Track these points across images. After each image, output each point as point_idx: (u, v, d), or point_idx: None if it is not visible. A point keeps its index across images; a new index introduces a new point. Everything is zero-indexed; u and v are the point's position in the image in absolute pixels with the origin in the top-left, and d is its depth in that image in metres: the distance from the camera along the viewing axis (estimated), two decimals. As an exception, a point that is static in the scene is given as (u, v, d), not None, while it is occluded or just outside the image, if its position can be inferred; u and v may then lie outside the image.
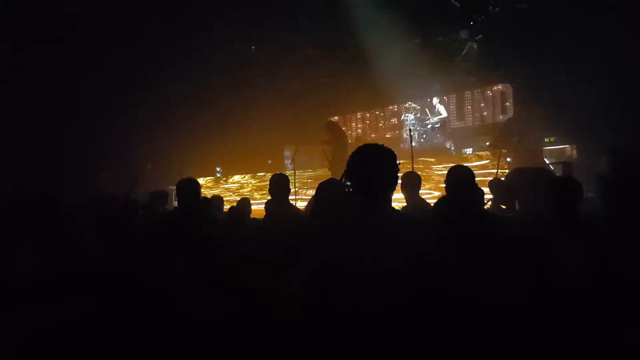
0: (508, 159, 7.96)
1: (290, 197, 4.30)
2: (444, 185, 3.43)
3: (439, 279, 2.09)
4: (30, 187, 6.30)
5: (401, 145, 11.49)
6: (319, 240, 2.25)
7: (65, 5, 11.01)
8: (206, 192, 11.17)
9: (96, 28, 11.32)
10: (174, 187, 5.59)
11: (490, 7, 11.23)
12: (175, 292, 2.72)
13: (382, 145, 2.34)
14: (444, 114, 11.68)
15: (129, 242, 3.39)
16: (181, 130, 12.84)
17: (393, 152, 2.31)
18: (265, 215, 4.15)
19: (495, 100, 11.60)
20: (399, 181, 4.00)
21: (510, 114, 10.97)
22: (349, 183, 2.29)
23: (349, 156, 2.32)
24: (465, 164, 4.50)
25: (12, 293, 2.63)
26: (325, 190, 2.96)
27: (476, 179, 3.42)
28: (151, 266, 2.89)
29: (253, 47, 13.95)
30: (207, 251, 3.06)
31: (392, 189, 2.30)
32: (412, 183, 4.26)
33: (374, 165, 2.26)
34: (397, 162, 2.31)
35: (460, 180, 3.31)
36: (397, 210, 2.40)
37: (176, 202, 5.96)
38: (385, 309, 2.02)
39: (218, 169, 13.31)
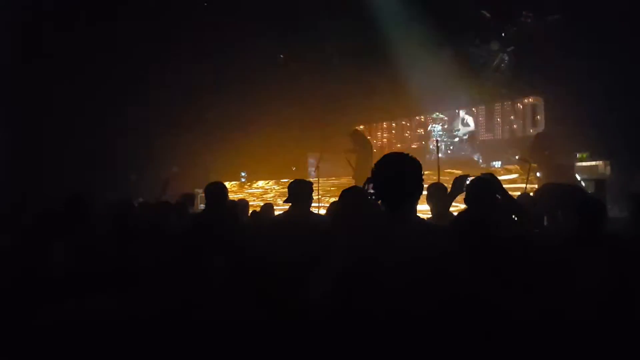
0: (538, 174, 7.75)
1: (313, 204, 4.22)
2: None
3: (462, 291, 2.04)
4: (57, 187, 6.37)
5: (427, 156, 11.33)
6: (342, 248, 2.20)
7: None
8: (231, 196, 11.18)
9: (129, 26, 11.50)
10: (200, 190, 5.60)
11: (522, 19, 11.05)
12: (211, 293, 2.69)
13: (408, 154, 2.29)
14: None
15: (166, 243, 3.41)
16: (208, 136, 12.93)
17: (418, 162, 2.27)
18: (284, 220, 4.10)
19: (526, 113, 11.37)
20: (425, 192, 3.92)
21: (541, 127, 10.73)
22: (372, 191, 2.23)
23: (374, 164, 2.26)
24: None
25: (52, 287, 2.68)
26: (348, 197, 2.89)
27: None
28: (188, 267, 2.87)
29: (281, 56, 14.00)
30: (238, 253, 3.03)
31: (417, 199, 2.25)
32: (438, 195, 4.14)
33: (399, 174, 2.21)
34: (422, 172, 2.24)
35: (478, 193, 3.23)
36: (422, 219, 2.33)
37: (202, 205, 5.97)
38: (407, 319, 1.98)
39: (243, 174, 13.34)
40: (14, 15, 10.98)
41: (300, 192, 3.94)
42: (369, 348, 2.00)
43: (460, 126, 11.64)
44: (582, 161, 8.34)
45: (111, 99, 11.93)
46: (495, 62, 11.82)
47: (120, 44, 11.70)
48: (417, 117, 13.16)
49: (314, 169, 9.92)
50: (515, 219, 3.31)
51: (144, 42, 11.77)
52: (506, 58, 11.67)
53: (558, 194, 4.34)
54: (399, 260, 2.04)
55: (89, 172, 10.70)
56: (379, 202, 2.23)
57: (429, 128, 11.80)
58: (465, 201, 3.36)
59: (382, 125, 14.11)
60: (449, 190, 4.25)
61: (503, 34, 11.45)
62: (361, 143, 8.89)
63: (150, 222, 4.19)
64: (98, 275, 2.84)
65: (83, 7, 11.28)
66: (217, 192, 4.12)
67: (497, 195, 3.29)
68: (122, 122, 11.92)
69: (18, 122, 11.10)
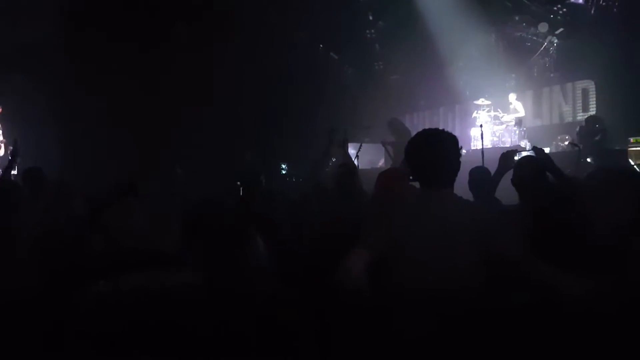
0: (588, 159, 7.44)
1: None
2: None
3: (510, 271, 1.97)
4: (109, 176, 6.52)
5: (472, 144, 11.05)
6: (380, 228, 2.12)
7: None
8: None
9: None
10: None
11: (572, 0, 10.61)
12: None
13: (443, 129, 2.20)
14: (521, 111, 11.10)
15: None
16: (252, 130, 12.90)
17: (454, 136, 2.18)
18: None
19: (576, 97, 10.92)
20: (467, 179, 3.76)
21: (592, 111, 10.29)
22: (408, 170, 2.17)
23: (408, 142, 2.18)
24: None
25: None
26: (384, 179, 2.83)
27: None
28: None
29: (321, 46, 13.91)
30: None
31: (454, 174, 2.16)
32: (482, 179, 3.94)
33: (435, 149, 2.12)
34: (460, 146, 2.15)
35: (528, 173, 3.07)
36: (461, 197, 2.23)
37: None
38: (448, 299, 1.92)
39: (283, 166, 13.38)
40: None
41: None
42: (406, 330, 1.96)
43: (506, 112, 11.27)
44: (635, 146, 7.94)
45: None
46: (543, 46, 11.41)
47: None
48: (460, 104, 12.86)
49: (354, 159, 9.84)
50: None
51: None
52: (555, 41, 11.24)
53: (613, 178, 4.10)
54: (440, 236, 1.98)
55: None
56: (416, 180, 2.16)
57: (473, 115, 11.48)
58: (513, 182, 3.20)
59: (424, 112, 13.85)
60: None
61: (552, 16, 11.00)
62: (399, 132, 8.72)
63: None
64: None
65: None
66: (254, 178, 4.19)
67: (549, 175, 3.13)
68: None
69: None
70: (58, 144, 10.50)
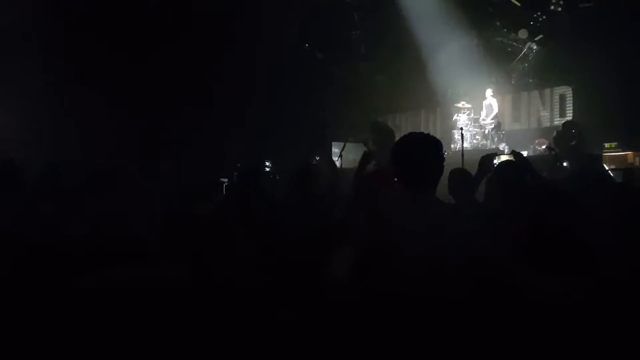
0: (565, 164, 7.65)
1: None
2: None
3: (492, 273, 2.02)
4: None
5: (452, 146, 11.23)
6: (361, 228, 2.21)
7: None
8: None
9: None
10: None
11: (552, 7, 10.83)
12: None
13: (428, 133, 2.28)
14: (495, 109, 11.29)
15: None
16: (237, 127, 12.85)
17: (438, 140, 2.25)
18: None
19: (554, 102, 11.18)
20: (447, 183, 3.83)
21: (569, 117, 10.55)
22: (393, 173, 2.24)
23: (395, 143, 2.27)
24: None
25: None
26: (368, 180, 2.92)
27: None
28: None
29: (306, 45, 13.94)
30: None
31: (438, 178, 2.23)
32: (462, 180, 4.02)
33: (419, 152, 2.20)
34: (443, 149, 2.24)
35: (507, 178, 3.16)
36: (442, 200, 2.32)
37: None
38: (428, 300, 1.96)
39: (267, 164, 13.37)
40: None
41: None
42: (385, 330, 1.99)
43: (485, 112, 11.45)
44: (610, 151, 8.18)
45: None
46: (523, 51, 11.64)
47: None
48: (440, 108, 13.03)
49: (337, 158, 9.90)
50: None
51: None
52: (534, 47, 11.48)
53: (589, 182, 4.23)
54: (419, 239, 2.03)
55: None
56: (400, 181, 2.23)
57: (454, 117, 11.66)
58: (489, 187, 3.29)
59: (406, 115, 14.00)
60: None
61: (532, 23, 11.24)
62: (381, 134, 8.71)
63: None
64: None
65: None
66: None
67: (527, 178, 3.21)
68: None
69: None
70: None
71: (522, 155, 3.56)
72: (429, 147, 2.22)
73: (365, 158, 3.67)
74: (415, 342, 1.96)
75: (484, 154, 3.50)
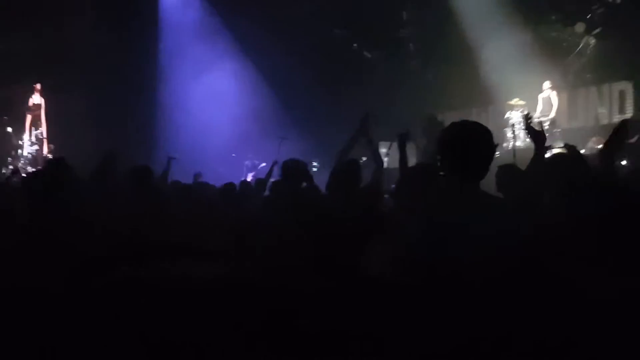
0: (623, 162, 7.31)
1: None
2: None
3: (538, 269, 1.96)
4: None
5: (504, 145, 10.94)
6: (405, 220, 2.17)
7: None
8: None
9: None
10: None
11: (611, -1, 10.39)
12: None
13: (476, 122, 2.20)
14: (555, 103, 10.89)
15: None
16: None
17: (488, 129, 2.16)
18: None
19: (613, 98, 10.70)
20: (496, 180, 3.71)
21: (629, 113, 10.08)
22: (439, 164, 2.18)
23: (443, 130, 2.19)
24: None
25: None
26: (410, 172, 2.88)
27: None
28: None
29: (355, 45, 13.94)
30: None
31: (486, 170, 2.15)
32: (512, 178, 3.88)
33: (468, 141, 2.11)
34: (492, 138, 2.15)
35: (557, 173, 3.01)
36: (490, 194, 2.25)
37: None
38: (472, 292, 1.91)
39: (315, 164, 13.43)
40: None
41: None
42: (430, 322, 1.96)
43: (541, 109, 11.06)
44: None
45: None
46: (580, 46, 11.20)
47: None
48: (493, 105, 12.71)
49: (385, 157, 9.80)
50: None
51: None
52: (592, 41, 11.02)
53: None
54: (465, 232, 1.97)
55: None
56: (445, 171, 2.16)
57: (506, 115, 11.35)
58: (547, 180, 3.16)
59: (457, 112, 13.71)
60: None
61: (589, 16, 10.80)
62: (436, 130, 8.56)
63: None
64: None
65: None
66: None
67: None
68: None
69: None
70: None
71: (575, 148, 3.40)
72: (478, 135, 2.14)
73: (403, 142, 3.62)
74: (458, 333, 1.91)
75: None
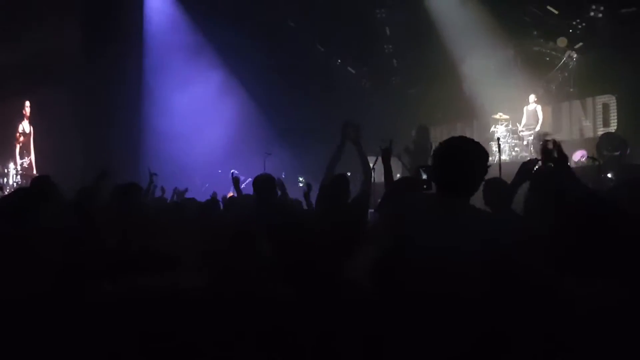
0: (609, 175, 7.32)
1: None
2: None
3: (520, 278, 1.91)
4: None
5: (490, 158, 10.94)
6: (385, 230, 2.12)
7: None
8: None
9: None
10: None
11: (592, 13, 10.49)
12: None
13: (473, 140, 2.15)
14: (540, 115, 10.95)
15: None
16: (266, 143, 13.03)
17: (483, 148, 2.13)
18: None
19: (597, 112, 10.79)
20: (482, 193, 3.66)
21: (613, 127, 10.15)
22: (425, 178, 2.14)
23: (440, 143, 2.15)
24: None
25: None
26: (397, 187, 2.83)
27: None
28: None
29: (339, 61, 13.96)
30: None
31: (477, 187, 2.13)
32: (497, 189, 3.83)
33: (458, 155, 2.08)
34: (487, 158, 2.11)
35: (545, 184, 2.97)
36: (477, 208, 2.20)
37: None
38: (448, 301, 1.88)
39: (300, 179, 13.35)
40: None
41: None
42: (402, 329, 1.94)
43: (525, 122, 11.12)
44: (658, 162, 7.80)
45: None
46: (562, 60, 11.31)
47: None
48: (478, 119, 12.76)
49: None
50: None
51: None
52: (574, 55, 11.13)
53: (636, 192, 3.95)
54: (447, 244, 1.94)
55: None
56: (435, 185, 2.11)
57: (491, 129, 11.39)
58: (528, 195, 3.11)
59: (442, 127, 13.75)
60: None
61: (571, 30, 10.92)
62: (425, 139, 8.43)
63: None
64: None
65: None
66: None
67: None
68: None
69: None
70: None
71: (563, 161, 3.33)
72: (475, 153, 2.11)
73: (387, 156, 3.60)
74: (432, 341, 1.91)
75: (525, 161, 3.33)
